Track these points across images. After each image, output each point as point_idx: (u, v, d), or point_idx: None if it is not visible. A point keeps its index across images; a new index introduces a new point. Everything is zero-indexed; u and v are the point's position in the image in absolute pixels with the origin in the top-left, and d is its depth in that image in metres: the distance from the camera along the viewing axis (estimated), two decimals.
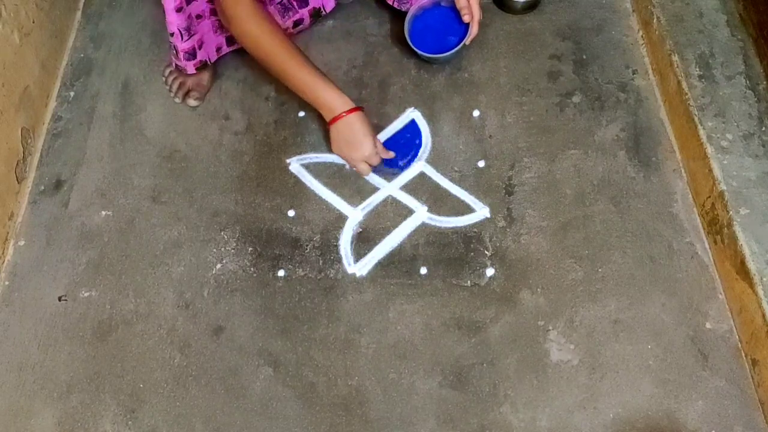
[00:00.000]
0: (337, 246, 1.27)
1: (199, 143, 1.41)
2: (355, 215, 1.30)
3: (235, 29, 1.25)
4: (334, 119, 1.27)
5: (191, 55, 1.38)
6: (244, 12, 1.22)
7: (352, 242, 1.28)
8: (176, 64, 1.42)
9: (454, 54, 1.41)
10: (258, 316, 1.21)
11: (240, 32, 1.25)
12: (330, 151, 1.33)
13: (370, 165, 1.31)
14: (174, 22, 1.31)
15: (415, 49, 1.41)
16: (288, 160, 1.37)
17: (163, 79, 1.48)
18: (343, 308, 1.21)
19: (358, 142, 1.28)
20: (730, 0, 1.39)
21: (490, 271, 1.23)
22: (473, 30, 1.39)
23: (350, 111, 1.26)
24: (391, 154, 1.34)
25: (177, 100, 1.45)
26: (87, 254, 1.29)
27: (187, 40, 1.35)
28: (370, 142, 1.28)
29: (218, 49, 1.44)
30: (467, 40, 1.39)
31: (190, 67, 1.41)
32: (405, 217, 1.30)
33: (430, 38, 1.43)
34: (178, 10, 1.30)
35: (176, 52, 1.38)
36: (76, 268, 1.27)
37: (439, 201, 1.31)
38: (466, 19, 1.38)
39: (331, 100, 1.26)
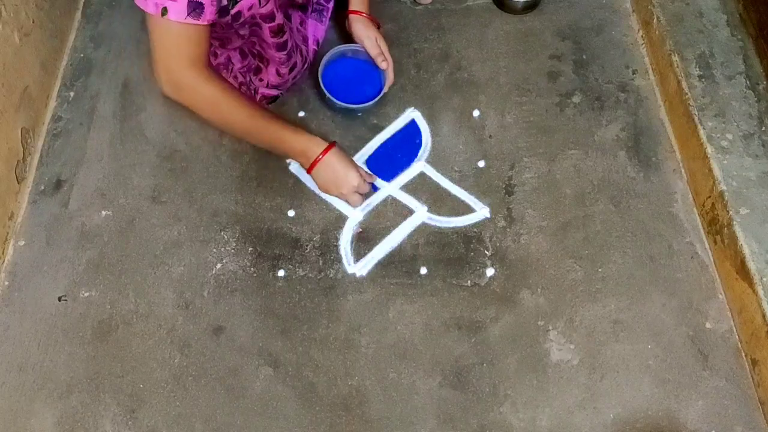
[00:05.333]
0: (337, 246, 1.27)
1: (199, 143, 1.41)
2: (355, 215, 1.30)
3: (185, 96, 1.17)
4: (313, 164, 1.24)
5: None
6: (198, 75, 1.14)
7: (352, 242, 1.28)
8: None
9: (376, 103, 1.38)
10: (258, 316, 1.21)
11: (193, 99, 1.17)
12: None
13: (361, 195, 1.29)
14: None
15: (335, 101, 1.35)
16: (288, 160, 1.37)
17: None
18: (343, 308, 1.21)
19: (342, 177, 1.25)
20: (730, 0, 1.39)
21: (490, 271, 1.23)
22: (390, 76, 1.37)
23: (325, 151, 1.23)
24: (374, 178, 1.32)
25: None
26: (87, 254, 1.29)
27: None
28: (354, 173, 1.25)
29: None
30: (386, 88, 1.37)
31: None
32: (405, 217, 1.30)
33: (345, 88, 1.38)
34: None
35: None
36: (76, 268, 1.27)
37: (439, 201, 1.31)
38: (383, 66, 1.36)
39: (304, 145, 1.23)
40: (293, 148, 1.24)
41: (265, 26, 1.22)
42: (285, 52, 1.30)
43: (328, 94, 1.36)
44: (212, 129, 1.42)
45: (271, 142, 1.24)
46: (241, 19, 1.17)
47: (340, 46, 1.41)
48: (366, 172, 1.30)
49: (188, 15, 1.08)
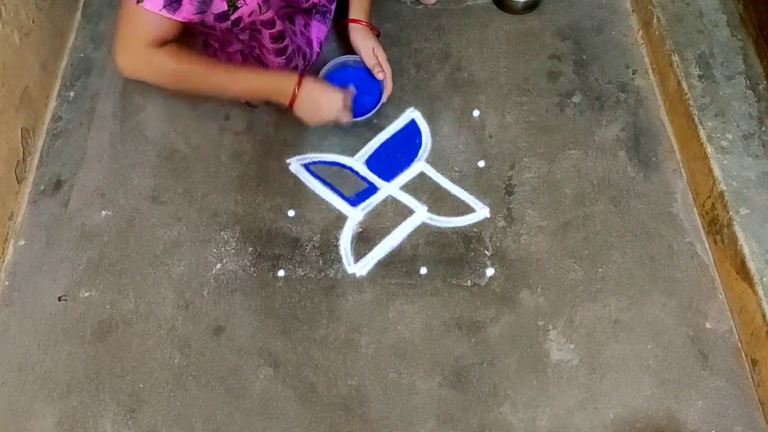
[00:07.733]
0: (337, 246, 1.27)
1: (199, 143, 1.41)
2: (355, 215, 1.30)
3: (143, 74, 1.17)
4: (293, 99, 1.25)
5: None
6: (154, 51, 1.13)
7: (352, 242, 1.28)
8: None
9: (375, 113, 1.37)
10: (258, 316, 1.21)
11: (152, 75, 1.17)
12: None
13: (349, 108, 1.31)
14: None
15: None
16: (288, 160, 1.37)
17: None
18: (343, 308, 1.21)
19: (326, 99, 1.27)
20: (730, 0, 1.39)
21: (490, 271, 1.23)
22: (388, 86, 1.36)
23: (299, 82, 1.24)
24: (352, 91, 1.33)
25: None
26: (87, 254, 1.29)
27: None
28: (336, 93, 1.27)
29: None
30: (384, 98, 1.36)
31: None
32: (405, 217, 1.30)
33: None
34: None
35: None
36: (76, 268, 1.27)
37: (439, 201, 1.31)
38: (380, 76, 1.35)
39: (279, 83, 1.25)
40: (272, 86, 1.25)
41: (266, 32, 1.22)
42: (284, 57, 1.30)
43: None
44: (212, 129, 1.43)
45: (249, 88, 1.26)
46: (241, 25, 1.17)
47: (342, 57, 1.40)
48: (343, 88, 1.32)
49: (163, 7, 1.08)
